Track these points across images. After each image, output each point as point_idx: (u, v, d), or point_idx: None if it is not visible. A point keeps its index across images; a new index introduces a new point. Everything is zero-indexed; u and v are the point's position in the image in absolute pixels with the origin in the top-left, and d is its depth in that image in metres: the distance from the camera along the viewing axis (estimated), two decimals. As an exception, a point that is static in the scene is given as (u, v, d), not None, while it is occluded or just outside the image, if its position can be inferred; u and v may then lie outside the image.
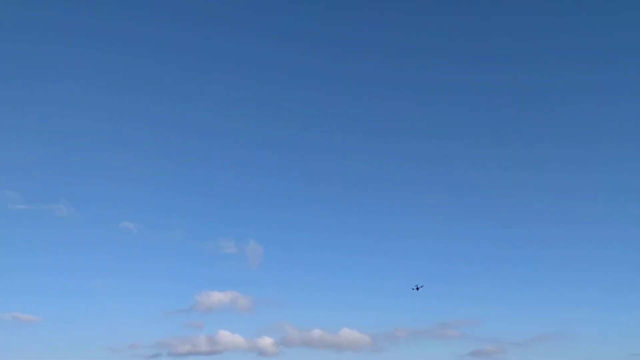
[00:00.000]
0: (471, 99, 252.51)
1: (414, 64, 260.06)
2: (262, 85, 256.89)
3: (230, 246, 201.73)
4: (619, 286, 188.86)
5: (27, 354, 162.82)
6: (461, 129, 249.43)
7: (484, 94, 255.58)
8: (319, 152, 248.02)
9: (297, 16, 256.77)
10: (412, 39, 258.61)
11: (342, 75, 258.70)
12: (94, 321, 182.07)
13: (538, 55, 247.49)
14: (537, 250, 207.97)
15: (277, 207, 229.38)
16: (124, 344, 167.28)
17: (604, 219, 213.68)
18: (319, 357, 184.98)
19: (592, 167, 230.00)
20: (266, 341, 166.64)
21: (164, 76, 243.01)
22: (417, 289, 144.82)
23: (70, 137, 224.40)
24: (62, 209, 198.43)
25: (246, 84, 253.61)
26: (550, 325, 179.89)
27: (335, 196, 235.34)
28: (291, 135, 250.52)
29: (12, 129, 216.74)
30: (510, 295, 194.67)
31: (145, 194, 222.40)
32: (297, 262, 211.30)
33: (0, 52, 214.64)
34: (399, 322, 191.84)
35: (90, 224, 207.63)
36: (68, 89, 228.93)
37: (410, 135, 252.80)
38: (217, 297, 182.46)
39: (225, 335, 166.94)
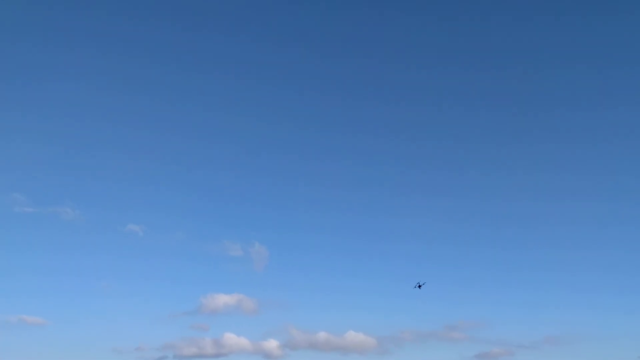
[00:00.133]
0: (472, 100, 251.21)
1: (415, 65, 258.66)
2: (265, 86, 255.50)
3: (235, 248, 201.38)
4: (627, 288, 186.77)
5: (33, 357, 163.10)
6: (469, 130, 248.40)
7: (485, 96, 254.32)
8: (324, 154, 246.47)
9: (297, 16, 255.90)
10: (412, 39, 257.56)
11: (343, 75, 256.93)
12: (100, 323, 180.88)
13: (538, 56, 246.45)
14: (545, 252, 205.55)
15: (283, 209, 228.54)
16: (130, 347, 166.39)
17: (612, 220, 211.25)
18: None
19: (597, 169, 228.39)
20: (272, 344, 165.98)
21: (164, 76, 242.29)
22: (419, 286, 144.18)
23: (75, 139, 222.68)
24: (68, 211, 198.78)
25: (247, 84, 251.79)
26: (558, 327, 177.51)
27: (340, 198, 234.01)
28: (297, 137, 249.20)
29: (18, 130, 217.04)
30: (518, 297, 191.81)
31: (151, 197, 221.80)
32: (302, 265, 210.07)
33: (0, 52, 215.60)
34: (405, 324, 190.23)
35: (96, 226, 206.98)
36: (70, 90, 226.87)
37: (415, 137, 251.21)
38: (223, 299, 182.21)
39: (231, 338, 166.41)
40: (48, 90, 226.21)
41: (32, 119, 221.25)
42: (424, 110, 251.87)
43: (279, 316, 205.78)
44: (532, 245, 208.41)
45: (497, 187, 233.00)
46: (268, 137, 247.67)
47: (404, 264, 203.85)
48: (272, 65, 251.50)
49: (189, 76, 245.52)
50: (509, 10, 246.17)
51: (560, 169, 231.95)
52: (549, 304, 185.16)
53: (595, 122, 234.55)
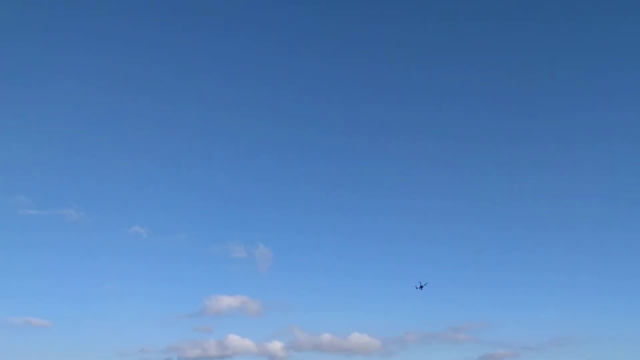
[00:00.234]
0: (472, 101, 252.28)
1: (415, 65, 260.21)
2: (265, 86, 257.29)
3: (239, 250, 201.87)
4: (633, 290, 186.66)
5: (37, 358, 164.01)
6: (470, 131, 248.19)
7: (485, 96, 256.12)
8: (327, 156, 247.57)
9: (297, 16, 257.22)
10: (412, 40, 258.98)
11: (343, 75, 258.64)
12: (104, 326, 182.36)
13: (538, 56, 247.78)
14: (550, 253, 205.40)
15: (287, 211, 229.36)
16: (135, 349, 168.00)
17: (617, 222, 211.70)
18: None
19: (603, 170, 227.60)
20: (276, 345, 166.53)
21: (165, 76, 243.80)
22: (421, 287, 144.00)
23: (79, 141, 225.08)
24: (73, 213, 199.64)
25: (247, 84, 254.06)
26: (563, 329, 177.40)
27: (344, 200, 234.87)
28: (301, 138, 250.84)
29: (22, 133, 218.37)
30: (523, 299, 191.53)
31: (155, 198, 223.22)
32: (306, 266, 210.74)
33: (0, 52, 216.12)
34: (409, 326, 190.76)
35: (100, 228, 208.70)
36: (73, 91, 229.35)
37: (415, 137, 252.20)
38: (227, 301, 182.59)
39: (235, 340, 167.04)
40: (51, 91, 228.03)
41: (36, 121, 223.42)
42: (424, 110, 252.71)
43: (283, 318, 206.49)
44: (538, 247, 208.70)
45: (502, 188, 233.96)
46: (272, 139, 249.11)
47: (408, 266, 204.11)
48: (272, 65, 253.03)
49: (189, 76, 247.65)
50: (509, 10, 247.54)
51: (561, 169, 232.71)
52: (554, 306, 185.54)
53: (595, 123, 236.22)
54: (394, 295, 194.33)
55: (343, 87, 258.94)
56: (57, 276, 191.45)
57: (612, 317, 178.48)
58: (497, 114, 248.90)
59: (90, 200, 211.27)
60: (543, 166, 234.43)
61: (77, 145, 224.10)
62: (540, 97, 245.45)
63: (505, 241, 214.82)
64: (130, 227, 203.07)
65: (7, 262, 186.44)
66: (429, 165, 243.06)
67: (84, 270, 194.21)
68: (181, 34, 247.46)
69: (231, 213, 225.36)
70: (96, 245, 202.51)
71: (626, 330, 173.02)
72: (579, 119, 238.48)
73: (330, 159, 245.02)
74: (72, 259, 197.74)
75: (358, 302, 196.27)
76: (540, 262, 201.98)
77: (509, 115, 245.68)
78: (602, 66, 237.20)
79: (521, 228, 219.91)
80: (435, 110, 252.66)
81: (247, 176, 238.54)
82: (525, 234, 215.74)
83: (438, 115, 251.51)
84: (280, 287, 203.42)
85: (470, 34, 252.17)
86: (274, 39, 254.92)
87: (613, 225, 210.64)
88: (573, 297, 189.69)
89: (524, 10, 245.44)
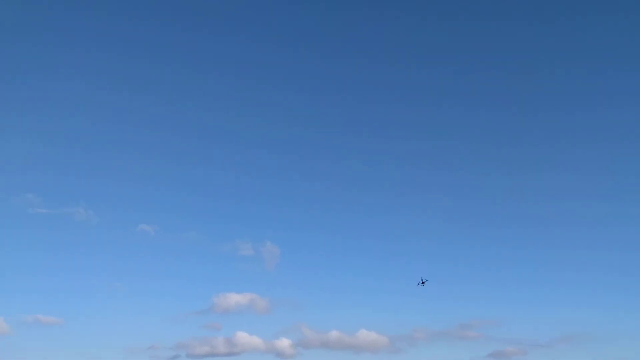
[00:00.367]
0: (472, 100, 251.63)
1: (415, 65, 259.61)
2: (267, 86, 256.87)
3: (247, 248, 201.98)
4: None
5: (48, 355, 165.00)
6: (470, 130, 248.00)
7: (485, 96, 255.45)
8: (335, 154, 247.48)
9: (297, 16, 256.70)
10: (412, 40, 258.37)
11: (343, 75, 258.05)
12: (114, 323, 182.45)
13: (538, 56, 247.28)
14: (560, 250, 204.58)
15: (294, 208, 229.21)
16: (144, 345, 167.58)
17: (627, 219, 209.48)
18: (337, 359, 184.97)
19: (608, 168, 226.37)
20: (284, 343, 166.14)
21: (171, 76, 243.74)
22: (423, 283, 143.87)
23: (87, 140, 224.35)
24: (81, 212, 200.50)
25: (248, 84, 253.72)
26: (573, 326, 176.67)
27: (352, 197, 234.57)
28: (307, 137, 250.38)
29: (31, 132, 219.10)
30: (532, 296, 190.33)
31: (163, 197, 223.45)
32: (314, 264, 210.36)
33: (0, 52, 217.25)
34: (417, 323, 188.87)
35: (108, 226, 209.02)
36: (80, 90, 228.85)
37: (422, 137, 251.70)
38: (235, 298, 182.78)
39: (243, 337, 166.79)
40: (58, 90, 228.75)
41: (44, 121, 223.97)
42: (425, 109, 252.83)
43: (291, 315, 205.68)
44: (547, 244, 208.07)
45: (511, 187, 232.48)
46: (278, 138, 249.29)
47: (416, 263, 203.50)
48: (273, 65, 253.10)
49: (196, 76, 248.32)
50: (509, 10, 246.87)
51: (570, 169, 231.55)
52: (563, 303, 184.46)
53: (595, 123, 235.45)
54: (402, 292, 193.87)
55: (344, 86, 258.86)
56: (66, 274, 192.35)
57: (622, 315, 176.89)
58: (497, 113, 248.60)
59: (98, 198, 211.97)
60: (550, 165, 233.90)
61: (85, 145, 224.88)
62: (540, 97, 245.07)
63: (514, 239, 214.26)
64: (138, 226, 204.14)
65: (17, 260, 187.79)
66: (438, 163, 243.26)
67: (93, 268, 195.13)
68: (181, 33, 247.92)
69: (239, 211, 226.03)
70: (105, 244, 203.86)
71: (635, 328, 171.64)
72: (579, 119, 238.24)
73: (336, 158, 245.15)
74: (81, 257, 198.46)
75: (366, 300, 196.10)
76: (549, 259, 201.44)
77: (509, 115, 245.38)
78: (602, 66, 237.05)
79: (531, 226, 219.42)
80: (435, 110, 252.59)
81: (254, 175, 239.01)
82: (535, 232, 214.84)
83: (439, 115, 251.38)
84: (288, 284, 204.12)
85: (470, 34, 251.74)
86: (274, 39, 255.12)
87: (623, 224, 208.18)
88: (582, 294, 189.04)
89: (524, 10, 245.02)
